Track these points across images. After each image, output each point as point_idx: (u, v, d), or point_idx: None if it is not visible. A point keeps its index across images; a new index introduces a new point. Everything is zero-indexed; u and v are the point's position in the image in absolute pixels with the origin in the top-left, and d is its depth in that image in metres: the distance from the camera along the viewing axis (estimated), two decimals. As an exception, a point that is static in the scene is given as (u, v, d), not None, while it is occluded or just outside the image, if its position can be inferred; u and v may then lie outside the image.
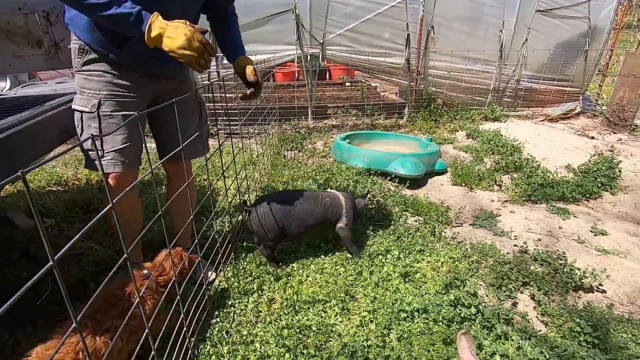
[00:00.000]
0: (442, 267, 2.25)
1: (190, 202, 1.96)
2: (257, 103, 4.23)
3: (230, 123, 4.52)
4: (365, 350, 1.64)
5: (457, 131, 5.13)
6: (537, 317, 2.00)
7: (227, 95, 5.74)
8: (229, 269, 2.19)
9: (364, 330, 1.76)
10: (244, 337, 1.73)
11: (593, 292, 2.24)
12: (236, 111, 4.48)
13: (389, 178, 3.60)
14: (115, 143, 1.58)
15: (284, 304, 1.93)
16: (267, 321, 1.82)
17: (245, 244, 2.45)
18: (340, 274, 2.16)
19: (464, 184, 3.64)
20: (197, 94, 1.94)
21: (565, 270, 2.29)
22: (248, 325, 1.82)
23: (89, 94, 1.55)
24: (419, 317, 1.79)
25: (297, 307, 1.89)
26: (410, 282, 2.10)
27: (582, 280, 2.23)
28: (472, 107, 5.49)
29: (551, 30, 5.27)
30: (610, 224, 3.02)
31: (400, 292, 1.97)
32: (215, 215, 2.79)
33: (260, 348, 1.67)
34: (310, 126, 5.15)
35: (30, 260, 2.28)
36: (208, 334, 1.74)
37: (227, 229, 2.58)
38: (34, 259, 2.30)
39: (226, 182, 3.52)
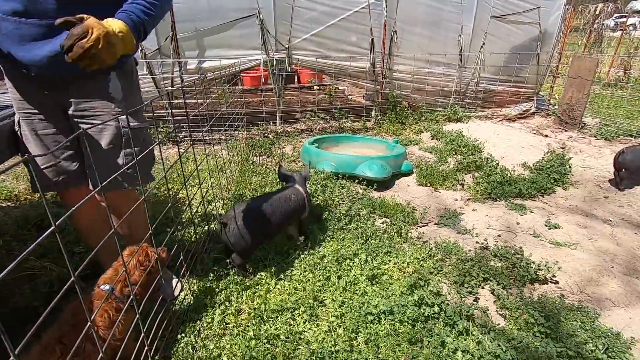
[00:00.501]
0: (408, 267, 2.31)
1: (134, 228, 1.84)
2: (223, 108, 4.17)
3: (191, 130, 4.43)
4: (334, 355, 1.65)
5: (423, 132, 5.29)
6: (496, 310, 2.10)
7: (193, 101, 5.62)
8: (194, 281, 2.14)
9: (332, 335, 1.77)
10: (211, 352, 1.69)
11: (547, 284, 2.38)
12: (202, 117, 4.41)
13: (357, 181, 3.66)
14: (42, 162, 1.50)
15: (252, 314, 1.91)
16: (234, 333, 1.79)
17: (210, 254, 2.41)
18: (309, 280, 2.17)
19: (429, 184, 3.76)
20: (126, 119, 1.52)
21: (522, 264, 2.42)
22: (215, 338, 1.79)
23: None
24: (385, 319, 1.83)
25: (265, 317, 1.88)
26: (377, 285, 2.14)
27: (537, 273, 2.37)
28: (436, 108, 5.69)
29: (506, 34, 5.56)
30: (563, 217, 3.23)
31: (367, 295, 2.01)
32: (180, 227, 2.73)
33: (228, 361, 1.64)
34: (279, 131, 5.14)
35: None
36: (173, 351, 1.69)
37: (193, 240, 2.52)
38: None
39: (190, 191, 3.45)
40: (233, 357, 1.67)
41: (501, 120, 5.81)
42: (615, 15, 13.69)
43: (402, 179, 3.96)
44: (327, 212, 2.89)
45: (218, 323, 1.87)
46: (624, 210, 3.38)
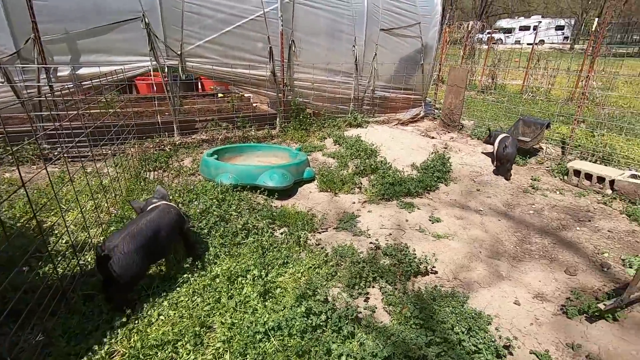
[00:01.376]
0: (302, 277, 2.33)
1: None
2: (107, 120, 3.74)
3: (66, 145, 3.89)
4: (217, 385, 1.56)
5: (326, 138, 5.47)
6: (383, 308, 2.24)
7: (69, 112, 4.93)
8: (55, 326, 1.84)
9: (218, 363, 1.68)
10: (70, 409, 1.46)
11: (428, 275, 2.63)
12: (79, 131, 3.88)
13: (259, 191, 3.60)
14: None
15: (127, 355, 1.71)
16: (103, 381, 1.58)
17: (78, 292, 2.10)
18: (197, 305, 2.03)
19: (329, 190, 3.88)
20: None
21: (406, 260, 2.63)
22: (77, 392, 1.55)
23: None
24: (274, 336, 1.81)
25: (141, 356, 1.70)
26: (270, 299, 2.10)
27: (419, 266, 2.60)
28: (338, 115, 5.94)
29: (394, 46, 6.08)
30: (444, 211, 3.62)
31: (258, 313, 1.96)
32: (42, 262, 2.34)
33: (91, 417, 1.44)
34: (177, 142, 4.81)
35: None
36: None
37: (55, 277, 2.17)
38: None
39: (67, 216, 3.01)
40: (98, 411, 1.46)
41: (396, 125, 6.33)
42: (487, 31, 16.10)
43: (305, 186, 4.02)
44: (221, 229, 2.77)
45: (83, 372, 1.63)
46: (490, 201, 3.94)
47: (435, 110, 6.96)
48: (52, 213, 3.04)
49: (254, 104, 6.52)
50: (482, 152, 5.16)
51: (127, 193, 3.42)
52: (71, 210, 3.07)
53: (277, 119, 5.53)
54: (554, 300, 2.44)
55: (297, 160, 4.05)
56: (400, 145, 5.24)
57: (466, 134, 6.01)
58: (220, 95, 7.05)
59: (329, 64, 5.59)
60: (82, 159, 3.94)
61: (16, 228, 2.73)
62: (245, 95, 7.12)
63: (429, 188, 4.07)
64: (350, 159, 4.62)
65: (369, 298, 2.32)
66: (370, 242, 2.97)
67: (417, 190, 3.91)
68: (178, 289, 2.16)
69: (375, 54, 5.91)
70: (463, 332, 1.89)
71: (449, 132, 6.10)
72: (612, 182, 3.94)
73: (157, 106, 5.08)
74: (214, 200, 3.11)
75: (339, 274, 2.48)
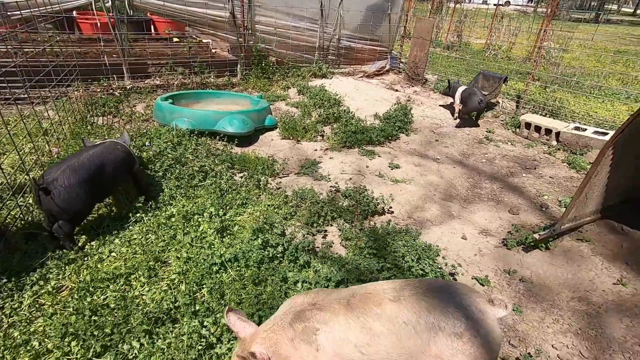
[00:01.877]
0: (261, 216, 2.33)
1: None
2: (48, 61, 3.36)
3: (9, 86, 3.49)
4: (172, 312, 1.57)
5: (290, 88, 5.31)
6: (340, 243, 2.32)
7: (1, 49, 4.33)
8: (-7, 264, 1.74)
9: (173, 292, 1.68)
10: (15, 339, 1.42)
11: (385, 214, 2.74)
12: (17, 70, 3.44)
13: (218, 137, 3.47)
14: None
15: (76, 288, 1.66)
16: (49, 313, 1.53)
17: (19, 231, 1.98)
18: (151, 242, 1.99)
19: (291, 138, 3.82)
20: None
21: (365, 200, 2.70)
22: (22, 323, 1.50)
23: None
24: (231, 267, 1.82)
25: (91, 289, 1.66)
26: (228, 236, 2.10)
27: (377, 207, 2.69)
28: (302, 64, 5.73)
29: (361, -7, 5.83)
30: (403, 159, 3.72)
31: (214, 247, 1.96)
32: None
33: (39, 346, 1.40)
34: (128, 87, 4.45)
35: None
36: (-43, 350, 1.35)
37: (-5, 217, 2.02)
38: None
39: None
40: (46, 340, 1.43)
41: (361, 77, 6.24)
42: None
43: (267, 133, 3.93)
44: (177, 171, 2.66)
45: (28, 307, 1.57)
46: (447, 150, 4.08)
47: (401, 64, 6.92)
48: (-16, 156, 2.77)
49: (214, 50, 6.11)
50: (441, 105, 5.27)
51: (71, 137, 3.16)
52: (6, 153, 2.81)
53: (238, 66, 5.25)
54: (497, 235, 2.65)
55: (259, 107, 3.92)
56: (365, 96, 5.21)
57: (429, 88, 6.07)
58: (175, 39, 6.52)
59: (293, 7, 5.27)
60: (18, 101, 3.55)
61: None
62: (204, 40, 6.64)
63: (390, 137, 4.12)
64: (313, 109, 4.54)
65: (327, 235, 2.39)
66: (331, 186, 3.01)
67: (378, 139, 3.95)
68: (131, 227, 2.09)
69: (342, 0, 5.64)
70: (413, 260, 2.01)
71: (412, 86, 6.12)
72: (557, 133, 4.20)
73: (104, 48, 4.61)
74: (169, 144, 2.97)
75: (298, 214, 2.51)
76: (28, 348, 1.39)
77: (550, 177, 3.60)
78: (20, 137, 3.00)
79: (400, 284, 1.23)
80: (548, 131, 4.28)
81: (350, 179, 3.19)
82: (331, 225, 2.49)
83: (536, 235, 2.33)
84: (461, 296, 1.20)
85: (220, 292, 1.70)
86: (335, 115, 4.18)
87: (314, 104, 4.61)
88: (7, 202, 2.11)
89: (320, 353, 1.13)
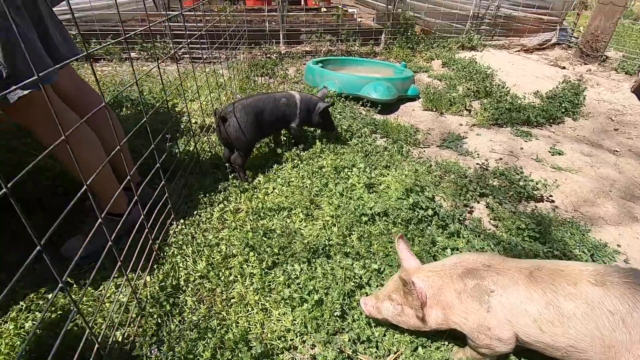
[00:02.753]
0: (406, 179, 2.31)
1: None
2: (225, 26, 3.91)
3: (191, 47, 4.21)
4: (327, 248, 1.72)
5: (433, 60, 5.01)
6: (489, 221, 2.14)
7: (188, 14, 5.25)
8: (194, 180, 2.17)
9: (327, 232, 1.83)
10: (209, 241, 1.76)
11: (543, 202, 2.40)
12: (200, 33, 4.14)
13: (361, 102, 3.54)
14: None
15: (250, 212, 1.96)
16: (232, 227, 1.85)
17: (209, 160, 2.41)
18: (306, 186, 2.19)
19: (434, 109, 3.64)
20: None
21: (520, 183, 2.42)
22: (213, 230, 1.85)
23: None
24: (379, 220, 1.88)
25: (262, 214, 1.93)
26: (374, 192, 2.16)
27: (534, 192, 2.38)
28: (450, 34, 5.32)
29: (537, -50, 4.98)
30: (568, 145, 3.16)
31: (363, 200, 2.04)
32: (179, 136, 2.70)
33: (226, 249, 1.72)
34: (282, 52, 4.88)
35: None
36: (172, 239, 1.76)
37: (191, 149, 2.50)
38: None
39: (191, 104, 3.38)
40: (231, 245, 1.74)
41: (518, 51, 5.46)
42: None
43: (408, 103, 3.83)
44: (327, 128, 2.83)
45: (217, 219, 1.93)
46: (632, 142, 3.30)
47: (572, 38, 5.77)
48: (179, 100, 3.44)
49: (359, 19, 6.16)
50: (632, 90, 4.23)
51: (240, 91, 3.66)
52: (195, 100, 3.42)
53: (383, 35, 5.19)
54: None
55: (404, 75, 3.82)
56: (521, 72, 4.56)
57: (610, 67, 4.94)
58: (323, 9, 6.79)
59: (451, -29, 4.87)
60: (201, 59, 4.27)
61: (158, 107, 3.16)
62: (349, 10, 6.74)
63: (552, 119, 3.55)
64: (460, 82, 4.21)
65: (473, 211, 2.24)
66: (477, 163, 2.78)
67: (537, 120, 3.44)
68: (289, 171, 2.34)
69: (511, -40, 4.94)
70: (585, 254, 1.72)
71: (586, 64, 5.08)
72: None
73: (265, 16, 5.12)
74: (320, 103, 3.16)
75: (442, 184, 2.41)
76: (219, 249, 1.71)
77: None
78: (204, 89, 3.62)
79: (603, 267, 1.06)
80: None
81: (501, 158, 2.88)
82: (478, 202, 2.31)
83: None
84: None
85: (368, 241, 1.77)
86: (486, 89, 3.79)
87: (461, 77, 4.27)
88: (199, 138, 2.60)
89: (490, 315, 1.08)
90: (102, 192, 1.62)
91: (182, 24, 4.15)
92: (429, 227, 1.85)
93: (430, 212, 1.87)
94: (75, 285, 1.51)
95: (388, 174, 2.37)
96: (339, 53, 4.90)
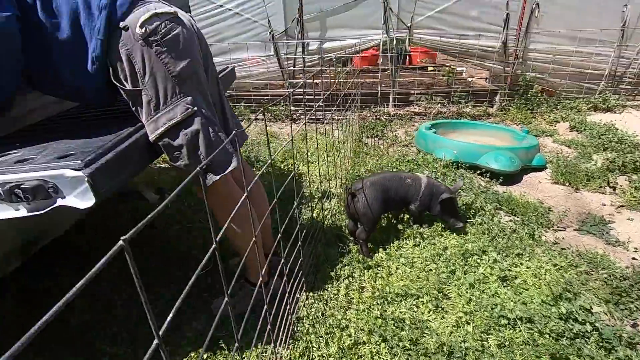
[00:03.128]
0: (545, 274, 2.08)
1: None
2: (341, 89, 4.24)
3: (307, 109, 4.63)
4: (463, 352, 1.61)
5: (559, 122, 4.59)
6: (664, 343, 1.76)
7: (308, 81, 5.85)
8: (321, 249, 2.30)
9: (461, 331, 1.72)
10: (339, 321, 1.81)
11: None
12: (315, 96, 4.56)
13: (478, 172, 3.39)
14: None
15: (375, 294, 1.97)
16: (359, 309, 1.87)
17: (332, 231, 2.53)
18: (431, 270, 2.12)
19: (567, 183, 3.27)
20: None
21: (703, 294, 1.96)
22: (341, 310, 1.90)
23: None
24: (522, 326, 1.70)
25: (388, 299, 1.92)
26: (509, 287, 1.98)
27: None
28: (579, 95, 4.85)
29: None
30: None
31: (499, 297, 1.88)
32: (301, 202, 2.92)
33: (355, 334, 1.73)
34: (391, 113, 5.04)
35: (151, 228, 2.64)
36: (305, 314, 1.85)
37: (315, 216, 2.67)
38: (152, 226, 2.66)
39: (310, 168, 3.66)
40: (360, 331, 1.75)
41: (671, 112, 4.67)
42: None
43: (532, 174, 3.53)
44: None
45: (343, 296, 1.98)
46: None
47: None
48: (300, 163, 3.76)
49: (469, 78, 6.07)
50: None
51: (354, 154, 3.85)
52: (313, 163, 3.70)
53: (498, 96, 4.99)
54: None
55: (528, 144, 3.57)
56: (681, 140, 3.85)
57: None
58: (430, 68, 6.91)
59: (582, 30, 4.53)
60: (317, 120, 4.66)
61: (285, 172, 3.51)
62: (458, 69, 6.72)
63: None
64: (596, 151, 3.74)
65: (637, 325, 1.87)
66: (634, 258, 2.36)
67: None
68: (411, 250, 2.31)
69: (659, 15, 4.40)
70: None
71: None
72: None
73: (374, 78, 5.41)
74: (438, 174, 3.12)
75: (591, 284, 2.09)
76: (348, 332, 1.74)
77: None
78: (321, 151, 3.90)
79: None
80: None
81: (667, 254, 2.40)
82: (642, 312, 1.94)
83: None
84: None
85: (510, 350, 1.61)
86: (636, 163, 3.28)
87: (597, 145, 3.80)
88: (319, 205, 2.77)
89: None
90: (251, 261, 1.82)
91: (310, 89, 4.64)
92: (587, 346, 1.60)
93: (588, 326, 1.63)
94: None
95: (522, 264, 2.17)
96: (449, 115, 4.85)
